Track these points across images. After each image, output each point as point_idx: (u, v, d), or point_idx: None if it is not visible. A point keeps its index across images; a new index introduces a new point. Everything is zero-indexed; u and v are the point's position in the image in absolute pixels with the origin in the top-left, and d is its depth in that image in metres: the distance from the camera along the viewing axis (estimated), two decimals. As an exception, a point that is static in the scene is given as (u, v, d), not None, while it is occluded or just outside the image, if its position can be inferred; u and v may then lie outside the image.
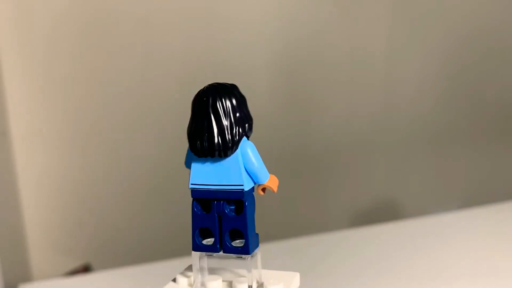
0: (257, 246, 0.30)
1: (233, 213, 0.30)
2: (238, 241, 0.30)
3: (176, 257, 0.68)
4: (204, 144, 0.29)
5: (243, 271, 0.30)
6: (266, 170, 0.30)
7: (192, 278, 0.30)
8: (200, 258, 0.30)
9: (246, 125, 0.30)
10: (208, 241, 0.30)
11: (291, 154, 1.12)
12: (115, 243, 0.99)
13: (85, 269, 0.94)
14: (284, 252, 0.71)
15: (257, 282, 0.30)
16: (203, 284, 0.29)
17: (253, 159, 0.30)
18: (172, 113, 0.98)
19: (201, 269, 0.30)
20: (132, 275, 0.65)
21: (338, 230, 0.85)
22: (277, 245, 0.74)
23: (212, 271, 0.30)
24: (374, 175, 1.22)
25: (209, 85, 0.31)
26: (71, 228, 0.96)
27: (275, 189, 0.30)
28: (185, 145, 0.31)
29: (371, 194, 1.22)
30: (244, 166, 0.30)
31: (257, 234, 0.31)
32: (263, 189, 0.31)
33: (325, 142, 1.15)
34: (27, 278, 0.92)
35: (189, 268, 0.31)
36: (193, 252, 0.30)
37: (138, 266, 0.68)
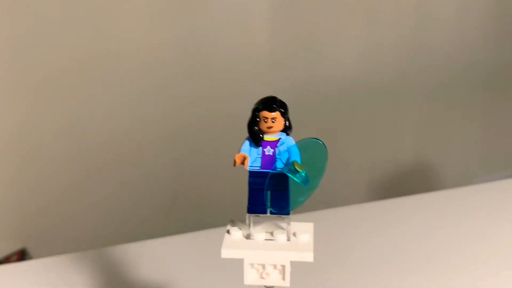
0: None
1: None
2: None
3: (117, 244, 0.70)
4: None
5: (280, 224, 0.43)
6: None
7: (241, 232, 0.43)
8: (251, 217, 0.43)
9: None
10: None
11: (292, 105, 1.04)
12: (54, 227, 1.01)
13: (21, 254, 0.95)
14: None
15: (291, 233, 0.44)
16: (252, 234, 0.42)
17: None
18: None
19: (251, 224, 0.43)
20: (74, 262, 0.64)
21: (354, 204, 0.81)
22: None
23: (257, 224, 0.43)
24: (402, 132, 1.17)
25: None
26: (5, 209, 0.99)
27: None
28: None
29: (398, 158, 1.16)
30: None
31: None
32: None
33: (336, 86, 1.10)
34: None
35: (235, 223, 0.44)
36: (248, 214, 0.43)
37: (81, 253, 0.67)
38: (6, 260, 0.93)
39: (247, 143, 0.43)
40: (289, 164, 0.42)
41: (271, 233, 0.43)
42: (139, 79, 1.07)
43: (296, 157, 0.42)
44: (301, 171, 0.40)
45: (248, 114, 0.43)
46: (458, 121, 1.21)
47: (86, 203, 1.07)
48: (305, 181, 0.41)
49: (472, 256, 0.64)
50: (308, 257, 0.41)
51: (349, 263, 0.63)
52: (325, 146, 0.42)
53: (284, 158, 0.43)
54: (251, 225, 0.43)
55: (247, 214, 0.43)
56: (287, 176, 0.42)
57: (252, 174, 0.43)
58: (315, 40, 1.13)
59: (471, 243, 0.66)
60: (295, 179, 0.41)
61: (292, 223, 0.43)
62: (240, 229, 0.44)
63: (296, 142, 0.42)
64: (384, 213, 0.74)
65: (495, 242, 0.67)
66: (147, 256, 0.62)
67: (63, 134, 1.04)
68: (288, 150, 0.43)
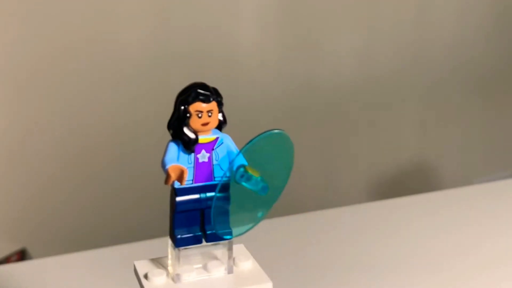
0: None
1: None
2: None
3: (118, 244, 0.69)
4: None
5: (213, 253, 0.33)
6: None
7: (164, 274, 0.33)
8: (180, 252, 0.32)
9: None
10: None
11: (292, 105, 1.08)
12: (54, 227, 1.01)
13: (21, 254, 0.95)
14: (286, 230, 0.70)
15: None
16: (179, 276, 0.32)
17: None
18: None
19: (178, 261, 0.32)
20: (75, 262, 0.64)
21: (354, 204, 0.81)
22: (276, 222, 0.70)
23: (184, 259, 0.33)
24: (402, 132, 1.16)
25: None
26: (5, 209, 0.99)
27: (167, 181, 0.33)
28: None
29: (398, 158, 1.16)
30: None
31: None
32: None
33: (335, 86, 1.09)
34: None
35: (153, 262, 0.34)
36: (176, 248, 0.32)
37: (81, 253, 0.66)
38: (6, 260, 0.93)
39: (172, 148, 0.33)
40: (238, 170, 0.32)
41: (204, 267, 0.33)
42: (140, 79, 1.07)
43: (242, 159, 0.32)
44: (256, 176, 0.31)
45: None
46: (458, 121, 1.21)
47: (86, 203, 1.06)
48: (264, 188, 0.32)
49: (472, 256, 0.64)
50: None
51: (349, 263, 0.62)
52: (289, 138, 0.32)
53: (224, 163, 0.33)
54: (180, 261, 0.32)
55: (175, 249, 0.33)
56: (228, 188, 0.32)
57: (182, 193, 0.33)
58: (313, 39, 1.13)
59: (471, 243, 0.66)
60: (252, 187, 0.32)
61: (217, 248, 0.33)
62: (162, 267, 0.34)
63: (247, 143, 0.31)
64: (384, 213, 0.74)
65: (495, 242, 0.66)
66: (146, 256, 0.62)
67: (63, 134, 1.03)
68: (229, 152, 0.33)
